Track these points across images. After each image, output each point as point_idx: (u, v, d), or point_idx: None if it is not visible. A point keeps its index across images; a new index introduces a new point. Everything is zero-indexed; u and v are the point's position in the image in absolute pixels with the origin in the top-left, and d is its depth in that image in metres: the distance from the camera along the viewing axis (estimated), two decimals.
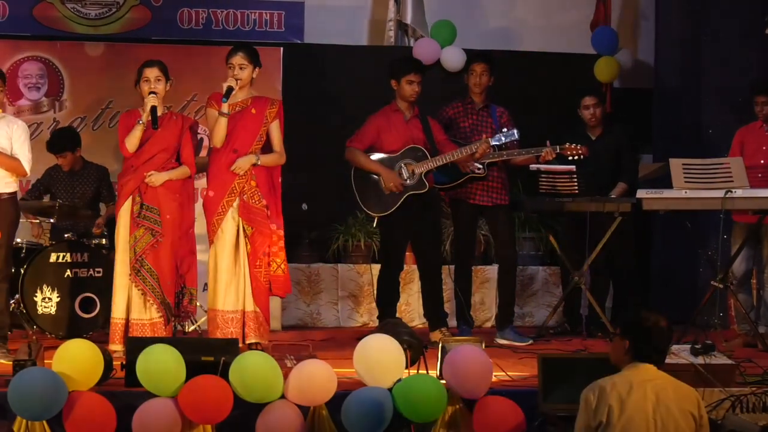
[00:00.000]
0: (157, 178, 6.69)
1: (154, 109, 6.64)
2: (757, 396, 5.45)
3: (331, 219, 8.93)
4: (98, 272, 7.40)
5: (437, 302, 7.63)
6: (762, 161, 7.43)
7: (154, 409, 5.24)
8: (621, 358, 4.47)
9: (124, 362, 5.55)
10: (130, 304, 6.66)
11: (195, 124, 7.12)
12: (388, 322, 6.49)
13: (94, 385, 5.37)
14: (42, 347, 5.83)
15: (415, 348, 5.80)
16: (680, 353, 5.74)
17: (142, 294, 6.62)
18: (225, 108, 6.65)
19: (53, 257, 7.39)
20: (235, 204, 6.71)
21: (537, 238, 9.01)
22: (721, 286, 7.02)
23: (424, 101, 7.59)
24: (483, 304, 8.81)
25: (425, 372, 5.71)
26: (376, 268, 7.86)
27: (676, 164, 7.01)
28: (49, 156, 7.88)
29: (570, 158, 7.46)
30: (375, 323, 7.80)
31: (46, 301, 7.34)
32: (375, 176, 7.41)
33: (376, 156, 7.44)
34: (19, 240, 7.43)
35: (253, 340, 6.64)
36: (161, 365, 5.30)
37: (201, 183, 7.38)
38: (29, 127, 7.31)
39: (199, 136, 8.36)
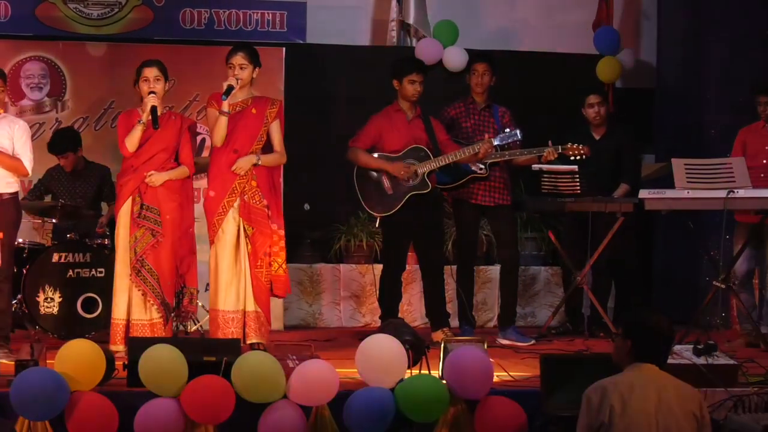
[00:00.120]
0: (157, 178, 6.69)
1: (154, 109, 6.64)
2: (760, 396, 5.45)
3: (333, 219, 8.93)
4: (100, 272, 7.40)
5: (439, 302, 7.64)
6: (764, 161, 7.43)
7: (156, 410, 5.24)
8: (623, 359, 4.46)
9: (126, 362, 5.55)
10: (131, 304, 6.66)
11: (193, 124, 7.12)
12: (391, 322, 6.49)
13: (96, 386, 5.37)
14: (44, 347, 5.83)
15: (417, 348, 5.80)
16: (682, 353, 5.74)
17: (143, 294, 6.62)
18: (225, 107, 6.64)
19: (55, 257, 7.39)
20: (235, 204, 6.71)
21: (539, 238, 9.01)
22: (723, 286, 7.02)
23: (426, 101, 7.59)
24: (485, 304, 8.81)
25: (427, 372, 5.70)
26: (378, 268, 7.85)
27: (678, 164, 7.01)
28: (50, 156, 7.88)
29: (572, 158, 7.45)
30: (377, 323, 7.80)
31: (49, 301, 7.34)
32: (377, 177, 7.41)
33: (378, 155, 7.44)
34: (21, 240, 7.44)
35: (254, 340, 6.64)
36: (163, 365, 5.31)
37: (202, 183, 7.38)
38: (31, 127, 7.33)
39: (200, 136, 8.37)
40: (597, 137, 8.04)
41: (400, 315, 7.72)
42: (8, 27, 8.51)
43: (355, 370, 5.58)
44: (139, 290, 6.63)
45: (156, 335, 6.52)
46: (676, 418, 4.30)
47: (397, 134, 7.45)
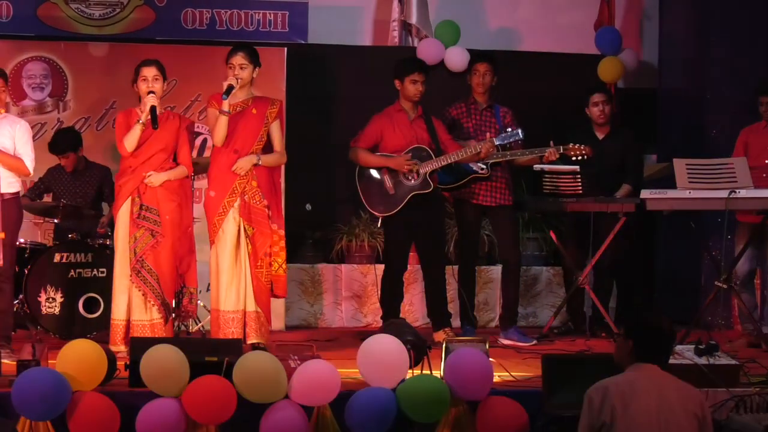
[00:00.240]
0: (156, 178, 6.69)
1: (153, 109, 6.64)
2: (761, 396, 5.45)
3: (334, 219, 8.94)
4: (102, 272, 7.40)
5: (441, 302, 7.64)
6: (766, 161, 7.42)
7: (158, 410, 5.24)
8: (625, 359, 4.46)
9: (127, 362, 5.55)
10: (131, 305, 6.67)
11: (191, 124, 7.12)
12: (392, 323, 6.49)
13: (97, 386, 5.37)
14: (46, 347, 5.83)
15: (419, 348, 5.80)
16: (684, 353, 5.74)
17: (143, 295, 6.63)
18: (225, 106, 6.65)
19: (57, 257, 7.40)
20: (236, 204, 6.71)
21: (540, 238, 9.01)
22: (724, 286, 7.01)
23: (428, 101, 7.59)
24: (487, 305, 8.81)
25: (429, 372, 5.70)
26: (380, 268, 7.85)
27: (680, 164, 7.00)
28: (51, 156, 7.89)
29: (573, 158, 7.45)
30: (379, 323, 7.80)
31: (50, 301, 7.35)
32: (379, 177, 7.42)
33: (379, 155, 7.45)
34: (22, 240, 7.44)
35: (254, 340, 6.65)
36: (165, 365, 5.31)
37: (203, 183, 7.38)
38: (33, 127, 7.34)
39: (202, 136, 8.38)
40: (600, 137, 8.03)
41: (401, 315, 7.73)
42: (10, 27, 8.51)
43: (357, 370, 5.58)
44: (139, 291, 6.63)
45: (156, 336, 6.52)
46: (677, 418, 4.29)
47: (399, 134, 7.45)
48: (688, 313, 7.60)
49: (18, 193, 6.75)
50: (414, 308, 8.62)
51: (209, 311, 7.02)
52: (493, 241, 8.57)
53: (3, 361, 5.76)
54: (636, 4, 10.00)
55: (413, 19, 9.31)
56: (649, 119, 9.42)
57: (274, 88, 8.21)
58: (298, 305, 8.69)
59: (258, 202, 6.73)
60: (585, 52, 9.46)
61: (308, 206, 8.88)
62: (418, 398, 5.36)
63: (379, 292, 7.72)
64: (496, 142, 7.39)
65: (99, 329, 7.26)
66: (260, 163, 6.76)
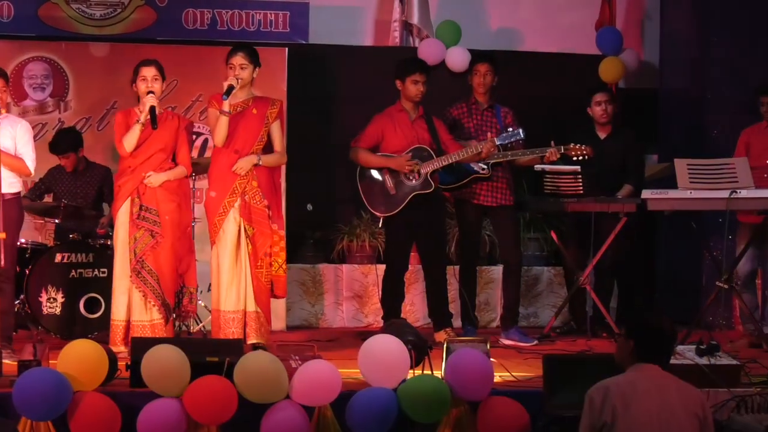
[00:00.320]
0: (155, 179, 6.69)
1: (153, 109, 6.63)
2: (762, 396, 5.45)
3: (335, 219, 8.94)
4: (103, 272, 7.40)
5: (442, 302, 7.63)
6: (767, 161, 7.42)
7: (159, 410, 5.24)
8: (626, 359, 4.46)
9: (128, 362, 5.55)
10: (131, 305, 6.66)
11: (190, 124, 7.12)
12: (393, 323, 6.49)
13: (98, 386, 5.37)
14: (47, 348, 5.83)
15: (420, 348, 5.79)
16: (685, 354, 5.74)
17: (143, 296, 6.63)
18: (226, 106, 6.65)
19: (58, 258, 7.40)
20: (236, 204, 6.71)
21: (542, 238, 9.01)
22: (726, 286, 7.01)
23: (429, 101, 7.59)
24: (488, 305, 8.81)
25: (430, 372, 5.70)
26: (381, 268, 7.85)
27: (681, 164, 7.00)
28: (52, 156, 7.89)
29: (574, 158, 7.45)
30: (380, 324, 7.79)
31: (51, 301, 7.35)
32: (380, 177, 7.42)
33: (379, 155, 7.45)
34: (23, 240, 7.45)
35: (254, 341, 6.64)
36: (166, 366, 5.31)
37: (204, 183, 7.38)
38: (34, 127, 7.34)
39: (203, 137, 8.38)
40: (602, 137, 8.03)
41: (402, 315, 7.72)
42: (11, 27, 8.51)
43: (358, 370, 5.58)
44: (139, 291, 6.63)
45: (156, 336, 6.52)
46: (678, 418, 4.29)
47: (400, 134, 7.45)
48: (689, 314, 7.59)
49: (19, 193, 6.74)
50: (415, 308, 8.62)
51: (210, 311, 7.02)
52: (494, 242, 8.57)
53: (4, 361, 5.76)
54: (637, 4, 10.00)
55: (414, 19, 9.31)
56: (650, 119, 9.41)
57: (275, 88, 8.21)
58: (299, 305, 8.69)
59: (258, 203, 6.73)
60: (586, 52, 9.47)
61: (309, 206, 8.88)
62: (419, 398, 5.36)
63: (380, 292, 7.72)
64: (497, 142, 7.40)
65: (100, 329, 7.26)
66: (261, 163, 6.76)
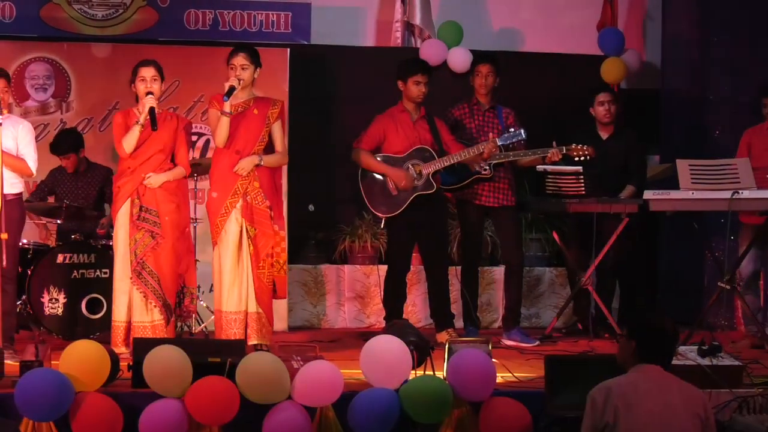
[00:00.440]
0: (155, 179, 6.69)
1: (152, 110, 6.63)
2: (764, 397, 5.44)
3: (337, 220, 8.94)
4: (105, 273, 7.40)
5: (444, 303, 7.63)
6: None
7: (161, 410, 5.24)
8: (627, 359, 4.46)
9: (130, 363, 5.55)
10: (132, 306, 6.66)
11: (189, 124, 7.11)
12: (395, 323, 6.49)
13: (100, 386, 5.37)
14: (49, 348, 5.83)
15: (422, 349, 5.79)
16: (687, 354, 5.74)
17: (144, 296, 6.63)
18: (227, 107, 6.64)
19: (60, 258, 7.40)
20: (238, 205, 6.71)
21: (543, 239, 9.00)
22: (728, 287, 7.01)
23: (431, 102, 7.59)
24: (489, 305, 8.81)
25: (432, 373, 5.70)
26: (383, 269, 7.85)
27: (683, 165, 7.00)
28: (54, 157, 7.89)
29: (576, 159, 7.45)
30: (381, 324, 7.80)
31: (53, 302, 7.35)
32: (381, 178, 7.41)
33: (382, 156, 7.44)
34: (25, 241, 7.45)
35: (255, 341, 6.65)
36: (168, 366, 5.31)
37: (206, 184, 7.38)
38: (36, 128, 7.34)
39: (204, 137, 8.38)
40: (604, 137, 8.03)
41: (404, 316, 7.72)
42: (13, 28, 8.52)
43: (360, 371, 5.58)
44: (140, 292, 6.63)
45: (157, 337, 6.52)
46: (680, 419, 4.29)
47: (402, 135, 7.45)
48: (691, 314, 7.59)
49: (20, 193, 6.74)
50: (417, 309, 8.62)
51: (212, 312, 7.02)
52: (496, 242, 8.57)
53: (6, 361, 5.76)
54: (639, 4, 10.00)
55: (416, 20, 9.31)
56: (652, 120, 9.41)
57: (277, 88, 8.21)
58: (301, 306, 8.69)
59: (260, 203, 6.73)
60: (588, 52, 9.46)
61: (311, 207, 8.88)
62: (421, 399, 5.36)
63: (382, 292, 7.71)
64: (499, 143, 7.40)
65: (102, 330, 7.26)
66: (262, 163, 6.75)
